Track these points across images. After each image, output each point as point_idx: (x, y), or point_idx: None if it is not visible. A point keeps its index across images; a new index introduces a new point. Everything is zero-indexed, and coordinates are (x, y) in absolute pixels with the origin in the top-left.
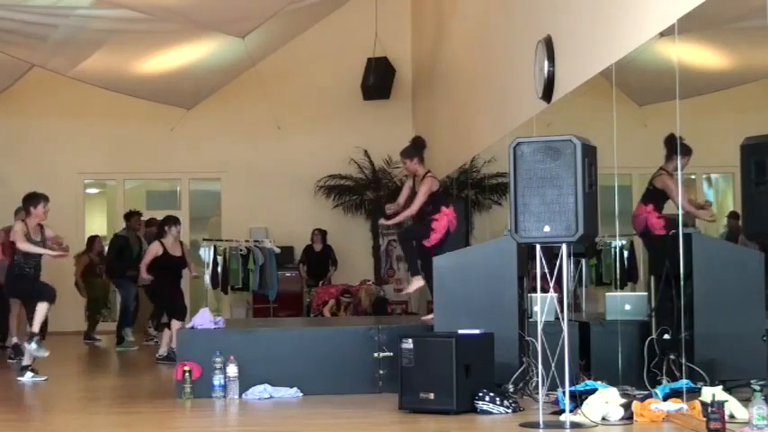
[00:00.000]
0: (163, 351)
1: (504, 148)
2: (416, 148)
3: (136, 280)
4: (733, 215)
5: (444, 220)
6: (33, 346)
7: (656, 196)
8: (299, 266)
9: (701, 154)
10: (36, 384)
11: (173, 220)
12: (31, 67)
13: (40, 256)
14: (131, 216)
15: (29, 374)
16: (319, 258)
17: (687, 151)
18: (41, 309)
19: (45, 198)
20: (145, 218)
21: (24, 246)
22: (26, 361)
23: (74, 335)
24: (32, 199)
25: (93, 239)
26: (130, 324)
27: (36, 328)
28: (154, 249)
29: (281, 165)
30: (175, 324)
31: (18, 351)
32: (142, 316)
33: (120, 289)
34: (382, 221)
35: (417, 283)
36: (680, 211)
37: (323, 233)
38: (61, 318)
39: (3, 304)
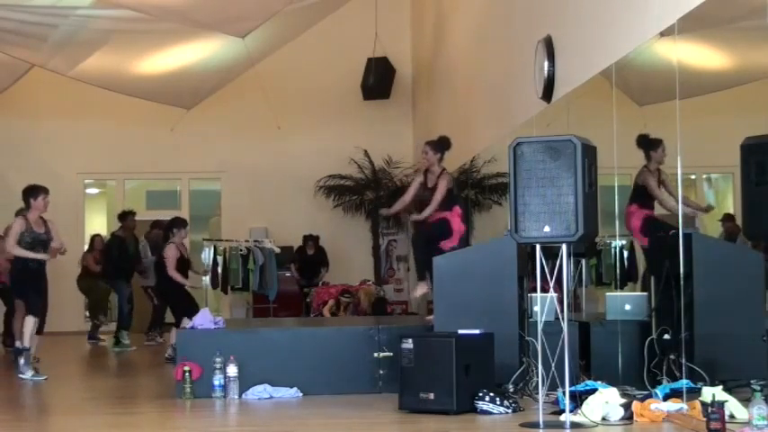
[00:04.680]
0: (171, 351)
1: (504, 148)
2: (442, 144)
3: (129, 280)
4: (728, 218)
5: (458, 219)
6: (22, 361)
7: (639, 194)
8: (291, 266)
9: (701, 154)
10: (36, 384)
11: (181, 223)
12: (31, 67)
13: (43, 251)
14: (126, 216)
15: (29, 373)
16: (312, 260)
17: (657, 143)
18: (29, 323)
19: (45, 190)
20: (144, 218)
21: (15, 251)
22: (26, 343)
23: (74, 335)
24: (32, 191)
25: (94, 238)
26: (126, 327)
27: (26, 342)
28: (174, 253)
29: (281, 165)
30: (174, 329)
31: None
32: (140, 321)
33: (115, 290)
34: (383, 211)
35: (422, 288)
36: (680, 211)
37: (315, 239)
38: (61, 318)
39: (10, 306)
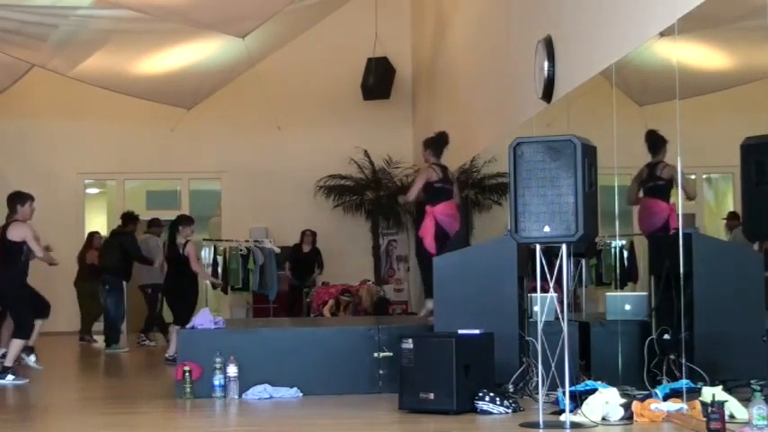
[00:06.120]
0: (172, 351)
1: (505, 148)
2: (434, 140)
3: (128, 279)
4: (732, 216)
5: (426, 221)
6: (32, 358)
7: (668, 190)
8: (285, 264)
9: (701, 154)
10: (25, 386)
11: (186, 220)
12: (31, 67)
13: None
14: (131, 220)
15: (10, 377)
16: (306, 260)
17: (663, 142)
18: (16, 345)
19: (32, 198)
20: (145, 218)
21: (41, 252)
22: (8, 363)
23: (70, 335)
24: (19, 198)
25: (92, 236)
26: (117, 340)
27: (9, 361)
28: (194, 249)
29: (281, 165)
30: (173, 329)
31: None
32: (137, 321)
33: (110, 296)
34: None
35: (429, 305)
36: (680, 210)
37: (313, 234)
38: (57, 318)
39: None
